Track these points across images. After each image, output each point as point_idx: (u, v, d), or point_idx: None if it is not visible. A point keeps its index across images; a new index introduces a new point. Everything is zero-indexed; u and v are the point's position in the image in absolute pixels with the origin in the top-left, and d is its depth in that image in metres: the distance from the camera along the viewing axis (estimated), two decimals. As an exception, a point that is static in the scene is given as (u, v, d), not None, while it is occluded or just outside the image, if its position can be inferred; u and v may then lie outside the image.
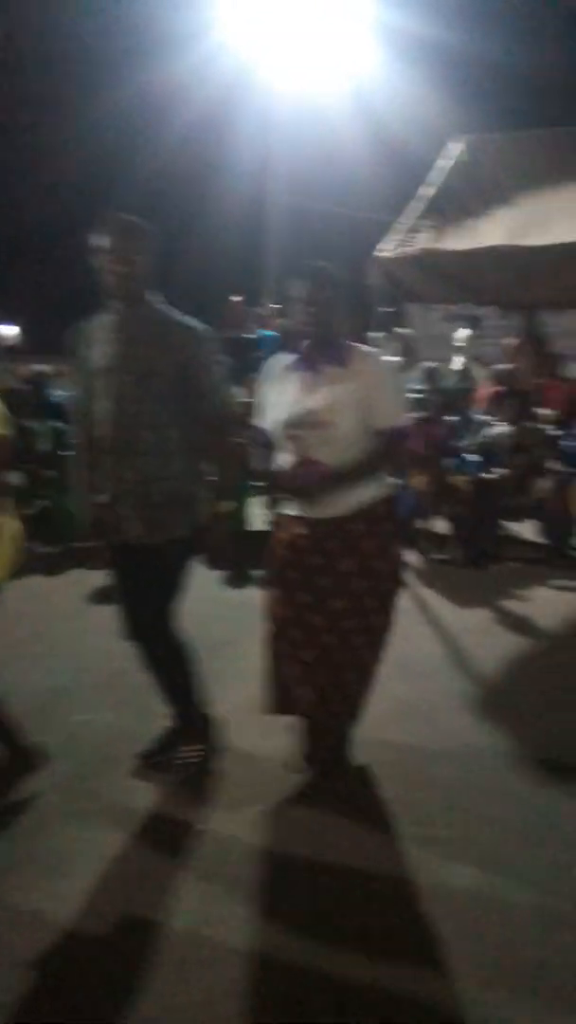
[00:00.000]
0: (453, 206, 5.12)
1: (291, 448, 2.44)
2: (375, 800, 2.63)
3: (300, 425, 2.41)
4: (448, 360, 7.47)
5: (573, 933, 2.07)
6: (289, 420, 2.44)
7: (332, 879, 2.27)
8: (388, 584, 2.55)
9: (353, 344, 2.48)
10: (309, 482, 2.39)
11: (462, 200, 5.15)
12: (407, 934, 2.08)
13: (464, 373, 6.91)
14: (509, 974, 1.95)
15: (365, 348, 2.51)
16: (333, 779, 2.69)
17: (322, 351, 2.45)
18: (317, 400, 2.40)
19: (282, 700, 2.65)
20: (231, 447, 2.62)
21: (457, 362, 7.06)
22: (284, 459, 2.47)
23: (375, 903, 2.19)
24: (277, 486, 2.54)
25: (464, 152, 5.55)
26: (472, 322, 6.86)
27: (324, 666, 2.53)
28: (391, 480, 2.63)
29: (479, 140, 5.79)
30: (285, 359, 2.57)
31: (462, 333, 6.93)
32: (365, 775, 2.73)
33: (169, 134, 14.64)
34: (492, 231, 4.83)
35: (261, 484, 2.60)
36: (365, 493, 2.46)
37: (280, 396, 2.51)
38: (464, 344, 7.11)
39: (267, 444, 2.59)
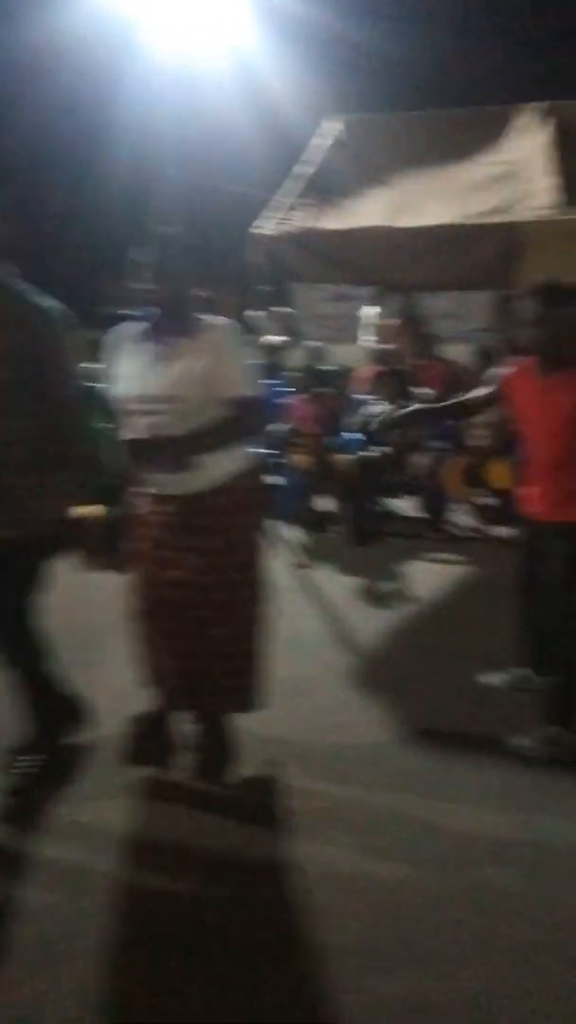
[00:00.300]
0: (330, 185, 5.13)
1: (142, 422, 2.37)
2: (252, 781, 2.64)
3: (150, 399, 2.35)
4: (333, 340, 7.53)
5: (443, 908, 2.12)
6: (139, 394, 2.37)
7: (201, 863, 2.26)
8: (255, 556, 2.54)
9: (202, 316, 2.42)
10: (164, 455, 2.32)
11: (339, 180, 5.17)
12: (279, 912, 2.09)
13: (374, 353, 6.92)
14: (380, 948, 1.99)
15: (213, 319, 2.45)
16: (211, 761, 2.67)
17: (171, 323, 2.38)
18: (167, 374, 2.35)
19: (157, 681, 2.62)
20: (84, 437, 2.47)
21: (366, 340, 7.07)
22: (137, 433, 2.38)
23: (245, 883, 2.19)
24: (133, 461, 2.43)
25: (341, 131, 5.57)
26: (378, 301, 6.87)
27: (198, 641, 2.50)
28: (254, 453, 2.60)
29: (356, 120, 5.82)
30: (134, 328, 2.48)
31: (370, 312, 6.95)
32: (244, 758, 2.74)
33: (47, 97, 13.94)
34: (368, 212, 4.88)
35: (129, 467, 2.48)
36: (226, 467, 2.43)
37: (129, 368, 2.43)
38: (374, 323, 7.12)
39: (120, 417, 2.48)
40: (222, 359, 2.35)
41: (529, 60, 13.24)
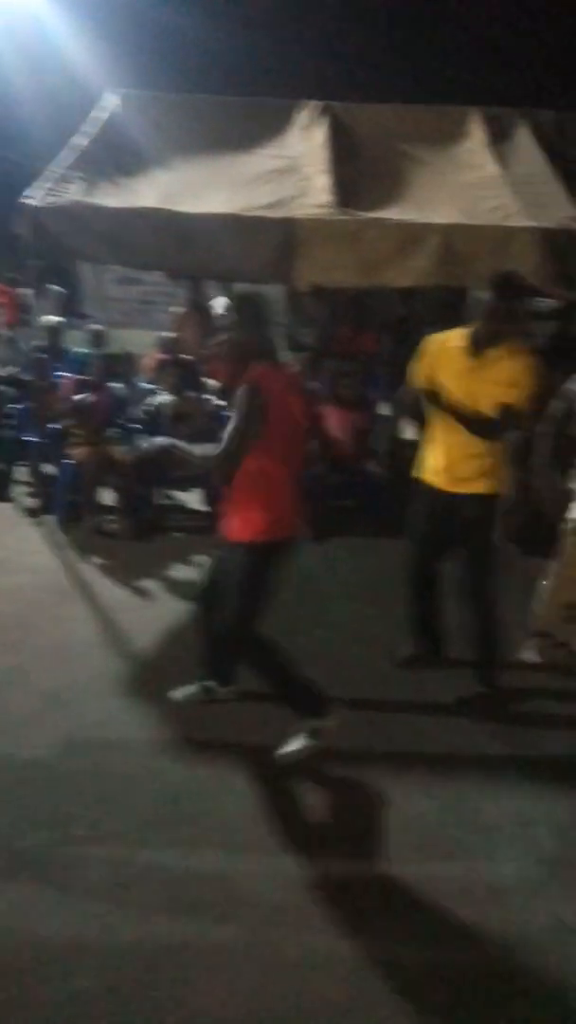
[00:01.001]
0: (106, 160, 4.85)
1: None
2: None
3: None
4: (120, 324, 7.21)
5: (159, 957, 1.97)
6: None
7: None
8: None
9: None
10: None
11: (116, 155, 4.91)
12: None
13: (159, 341, 6.64)
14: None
15: None
16: None
17: None
18: None
19: None
20: None
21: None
22: None
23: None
24: None
25: (119, 105, 5.30)
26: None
27: None
28: None
29: (136, 96, 5.57)
30: None
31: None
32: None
33: None
34: (145, 192, 4.67)
35: None
36: None
37: None
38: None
39: None
40: None
41: (331, 58, 13.57)
